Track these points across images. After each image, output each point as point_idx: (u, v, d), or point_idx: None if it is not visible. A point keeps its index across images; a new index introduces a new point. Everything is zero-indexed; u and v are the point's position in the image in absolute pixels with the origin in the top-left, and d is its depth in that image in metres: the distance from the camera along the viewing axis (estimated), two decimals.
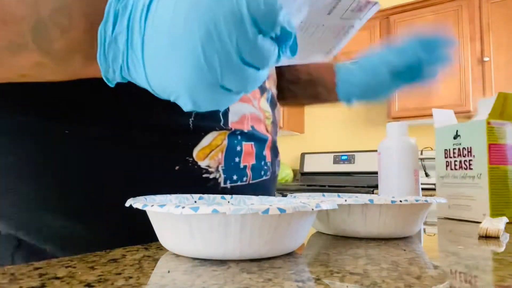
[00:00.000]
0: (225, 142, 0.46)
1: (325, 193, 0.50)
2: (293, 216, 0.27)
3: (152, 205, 0.27)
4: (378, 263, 0.27)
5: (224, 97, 0.26)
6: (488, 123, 0.56)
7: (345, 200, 0.36)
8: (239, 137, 0.48)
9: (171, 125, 0.42)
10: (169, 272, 0.24)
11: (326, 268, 0.26)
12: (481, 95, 2.28)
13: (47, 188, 0.41)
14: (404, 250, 0.32)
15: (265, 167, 0.53)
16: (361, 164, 2.81)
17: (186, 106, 0.26)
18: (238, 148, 0.48)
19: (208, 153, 0.45)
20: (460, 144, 0.60)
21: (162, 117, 0.42)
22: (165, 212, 0.26)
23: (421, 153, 2.52)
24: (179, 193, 0.42)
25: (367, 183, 2.63)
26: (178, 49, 0.23)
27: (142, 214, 0.36)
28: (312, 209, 0.27)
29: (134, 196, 0.40)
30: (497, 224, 0.41)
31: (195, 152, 0.44)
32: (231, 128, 0.46)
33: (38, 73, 0.30)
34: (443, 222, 0.56)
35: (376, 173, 2.73)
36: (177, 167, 0.43)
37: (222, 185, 0.46)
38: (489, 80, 2.25)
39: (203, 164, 0.44)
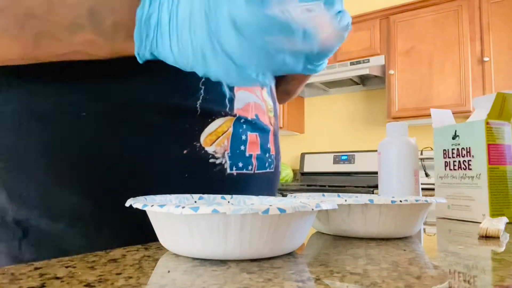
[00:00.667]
0: (231, 130, 0.48)
1: (325, 193, 0.50)
2: (293, 216, 0.27)
3: (152, 205, 0.27)
4: (378, 263, 0.27)
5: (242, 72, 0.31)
6: (487, 123, 0.56)
7: (345, 200, 0.36)
8: (244, 126, 0.49)
9: (180, 107, 0.44)
10: (169, 272, 0.24)
11: (326, 268, 0.26)
12: (481, 95, 2.28)
13: (62, 166, 0.42)
14: (404, 250, 0.32)
15: (269, 160, 0.55)
16: (361, 164, 2.81)
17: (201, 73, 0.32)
18: (243, 137, 0.49)
19: (215, 139, 0.46)
20: (459, 144, 0.60)
21: (173, 98, 0.44)
22: (165, 212, 0.26)
23: (421, 153, 2.52)
24: (188, 176, 0.44)
25: (367, 183, 2.64)
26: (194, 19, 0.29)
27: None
28: (312, 209, 0.27)
29: (145, 177, 0.43)
30: (497, 224, 0.41)
31: (202, 138, 0.45)
32: (236, 114, 0.48)
33: (89, 49, 0.36)
34: (442, 222, 0.56)
35: (376, 173, 2.73)
36: (185, 151, 0.44)
37: (228, 171, 0.47)
38: (489, 80, 2.25)
39: (210, 149, 0.45)
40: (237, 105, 0.49)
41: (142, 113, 0.43)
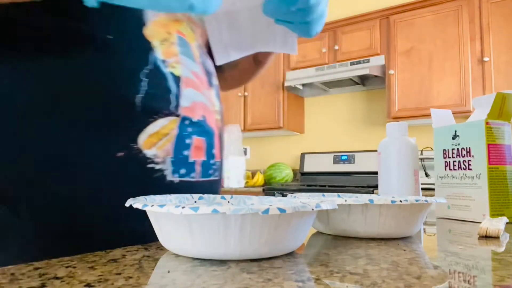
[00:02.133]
0: (175, 132, 0.43)
1: (325, 193, 0.50)
2: (293, 216, 0.27)
3: (152, 205, 0.27)
4: (378, 263, 0.27)
5: None
6: (487, 123, 0.56)
7: (345, 200, 0.36)
8: (189, 128, 0.45)
9: (115, 98, 0.38)
10: (169, 272, 0.24)
11: (326, 268, 0.26)
12: (481, 95, 2.28)
13: None
14: (404, 250, 0.32)
15: (214, 166, 0.51)
16: (361, 164, 2.81)
17: (187, 2, 0.29)
18: (188, 141, 0.45)
19: (156, 142, 0.41)
20: (459, 144, 0.60)
21: (106, 85, 0.38)
22: (165, 212, 0.26)
23: (421, 153, 2.52)
24: (121, 182, 0.39)
25: (367, 183, 2.64)
26: None
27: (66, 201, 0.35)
28: (312, 209, 0.27)
29: (70, 179, 0.36)
30: (497, 224, 0.41)
31: (141, 139, 0.40)
32: (181, 114, 0.44)
33: None
34: (442, 222, 0.56)
35: (376, 173, 2.73)
36: (119, 154, 0.39)
37: (169, 178, 0.43)
38: (489, 80, 2.25)
39: (149, 153, 0.40)
40: (183, 103, 0.44)
41: (69, 100, 0.36)
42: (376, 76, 2.60)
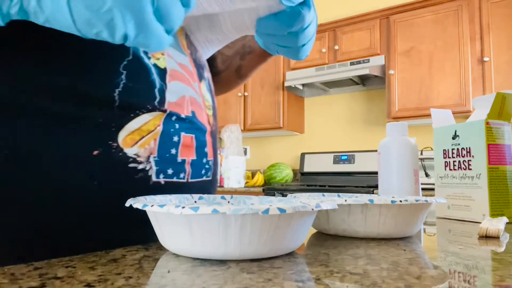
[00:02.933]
0: (160, 128, 0.40)
1: (325, 193, 0.50)
2: (293, 216, 0.27)
3: (152, 205, 0.27)
4: (378, 263, 0.27)
5: (155, 25, 0.27)
6: (487, 123, 0.56)
7: (345, 200, 0.36)
8: (176, 124, 0.42)
9: (91, 95, 0.36)
10: (169, 272, 0.24)
11: (326, 268, 0.26)
12: (481, 95, 2.28)
13: None
14: (404, 250, 0.32)
15: (207, 166, 0.47)
16: (361, 164, 2.81)
17: (120, 31, 0.26)
18: (176, 138, 0.42)
19: (138, 139, 0.38)
20: (459, 144, 0.60)
21: (80, 82, 0.35)
22: (165, 212, 0.26)
23: (421, 153, 2.52)
24: (98, 184, 0.36)
25: (367, 183, 2.64)
26: None
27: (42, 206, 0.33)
28: (312, 209, 0.27)
29: (41, 181, 0.34)
30: (497, 224, 0.41)
31: (120, 137, 0.37)
32: (166, 110, 0.40)
33: None
34: (442, 222, 0.56)
35: (376, 173, 2.73)
36: (95, 152, 0.36)
37: (154, 178, 0.40)
38: (489, 80, 2.25)
39: (130, 151, 0.38)
40: (170, 98, 0.41)
41: (37, 99, 0.34)
42: (376, 76, 2.60)
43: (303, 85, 2.89)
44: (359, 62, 2.60)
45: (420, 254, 0.31)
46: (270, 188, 2.59)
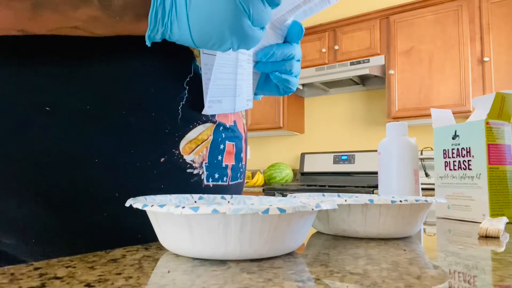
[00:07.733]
0: (211, 138, 0.45)
1: (325, 193, 0.50)
2: (293, 216, 0.27)
3: (152, 205, 0.27)
4: (378, 263, 0.27)
5: (254, 33, 0.34)
6: (487, 123, 0.56)
7: (345, 200, 0.36)
8: (223, 134, 0.46)
9: (163, 108, 0.40)
10: (169, 272, 0.24)
11: (326, 268, 0.26)
12: (481, 95, 2.27)
13: (15, 169, 0.36)
14: (404, 250, 0.32)
15: (241, 170, 0.52)
16: (361, 164, 2.81)
17: (226, 44, 0.33)
18: (221, 146, 0.46)
19: (194, 147, 0.43)
20: (459, 144, 0.60)
21: (154, 96, 0.40)
22: (165, 212, 0.26)
23: (421, 153, 2.52)
24: (163, 187, 0.41)
25: (367, 183, 2.64)
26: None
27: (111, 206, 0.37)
28: (312, 209, 0.27)
29: (114, 184, 0.38)
30: (497, 224, 0.41)
31: (181, 145, 0.42)
32: (216, 121, 0.45)
33: (90, 26, 0.33)
34: (442, 222, 0.56)
35: (376, 173, 2.73)
36: (162, 159, 0.40)
37: (205, 182, 0.44)
38: (489, 80, 2.25)
39: (188, 158, 0.42)
40: None
41: (117, 111, 0.38)
42: (376, 76, 2.60)
43: (303, 85, 2.89)
44: (359, 62, 2.60)
45: (420, 254, 0.31)
46: (270, 188, 2.59)
